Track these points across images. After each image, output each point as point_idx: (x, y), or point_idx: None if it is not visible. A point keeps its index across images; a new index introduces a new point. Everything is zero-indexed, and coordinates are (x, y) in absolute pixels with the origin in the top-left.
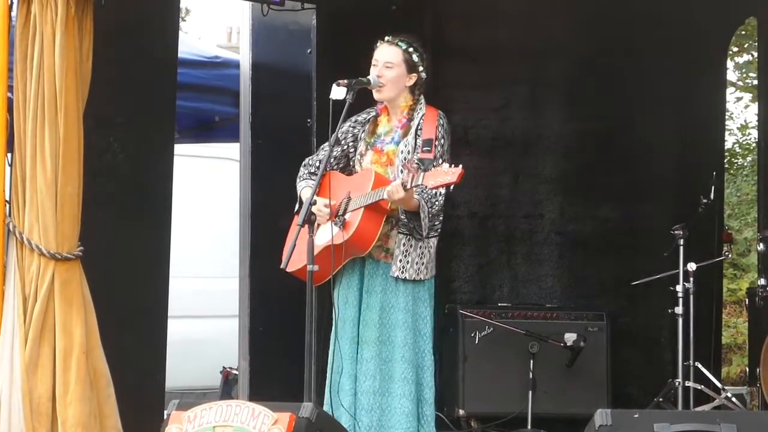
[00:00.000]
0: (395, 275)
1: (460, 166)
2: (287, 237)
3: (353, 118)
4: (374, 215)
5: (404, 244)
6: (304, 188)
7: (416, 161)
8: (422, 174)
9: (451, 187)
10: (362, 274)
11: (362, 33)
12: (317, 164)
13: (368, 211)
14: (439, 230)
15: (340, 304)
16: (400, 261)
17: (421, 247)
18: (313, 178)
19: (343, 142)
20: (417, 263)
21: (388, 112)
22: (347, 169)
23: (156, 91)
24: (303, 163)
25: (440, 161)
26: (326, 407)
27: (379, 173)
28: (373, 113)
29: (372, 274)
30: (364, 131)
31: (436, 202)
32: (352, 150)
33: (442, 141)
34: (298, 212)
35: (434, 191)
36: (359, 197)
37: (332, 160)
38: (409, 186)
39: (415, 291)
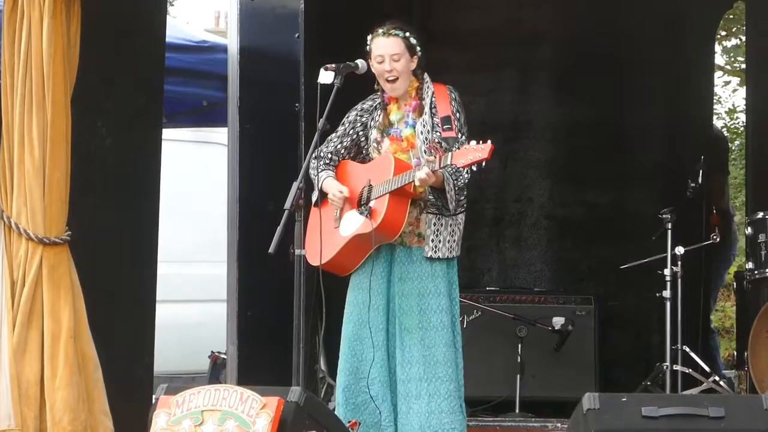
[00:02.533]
0: (428, 255)
1: (489, 141)
2: (307, 229)
3: (358, 107)
4: (400, 200)
5: (434, 224)
6: (326, 178)
7: (439, 140)
8: (450, 154)
9: (483, 164)
10: (390, 261)
11: (350, 17)
12: (329, 156)
13: (393, 196)
14: (465, 205)
15: (365, 291)
16: (432, 241)
17: (451, 225)
18: (330, 168)
19: (352, 131)
20: (449, 241)
21: (397, 99)
22: (359, 157)
23: (144, 76)
24: (314, 156)
25: (462, 136)
26: (344, 394)
27: (399, 159)
28: (378, 101)
29: (405, 260)
30: (373, 119)
31: (461, 176)
32: (363, 139)
33: (458, 115)
34: (317, 204)
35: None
36: (382, 184)
37: (342, 149)
38: (437, 168)
39: (448, 272)
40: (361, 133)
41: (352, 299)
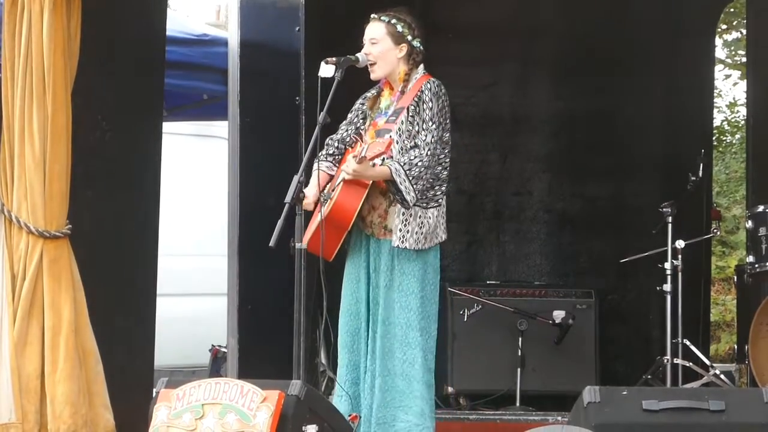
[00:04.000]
0: (395, 244)
1: (388, 136)
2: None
3: (363, 95)
4: (354, 188)
5: (403, 214)
6: (314, 171)
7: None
8: (366, 146)
9: (384, 158)
10: (368, 251)
11: (351, 10)
12: (336, 144)
13: (347, 184)
14: (439, 201)
15: (354, 281)
16: (400, 230)
17: (420, 217)
18: (329, 159)
19: (356, 119)
20: (417, 233)
21: (391, 87)
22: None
23: (144, 69)
24: (325, 143)
25: (424, 126)
26: (342, 389)
27: (355, 149)
28: (377, 89)
29: (377, 252)
30: (369, 107)
31: (414, 167)
32: (363, 127)
33: (425, 106)
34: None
35: (412, 157)
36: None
37: (347, 138)
38: (359, 158)
39: (418, 265)
40: (362, 121)
41: (346, 290)
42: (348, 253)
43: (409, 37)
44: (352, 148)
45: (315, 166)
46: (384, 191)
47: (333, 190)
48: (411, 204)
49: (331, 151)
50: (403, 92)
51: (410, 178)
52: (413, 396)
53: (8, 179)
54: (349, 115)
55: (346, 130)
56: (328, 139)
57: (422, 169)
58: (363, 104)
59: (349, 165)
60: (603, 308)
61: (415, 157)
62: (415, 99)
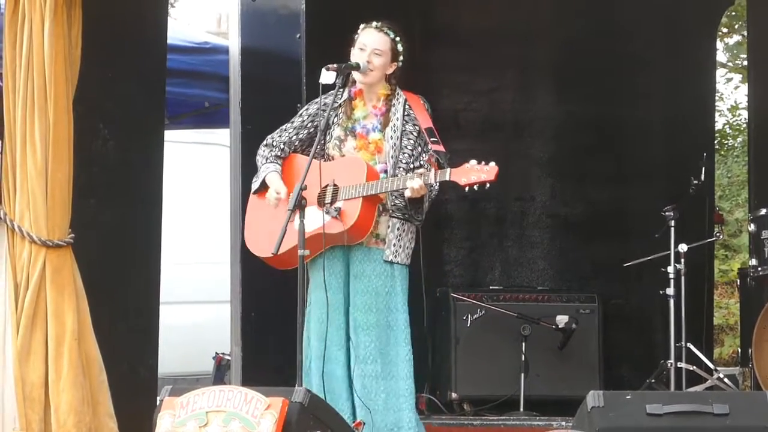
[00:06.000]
0: (389, 259)
1: (492, 163)
2: (247, 219)
3: (322, 101)
4: (371, 205)
5: (398, 229)
6: (271, 172)
7: (433, 154)
8: (448, 170)
9: (487, 185)
10: (346, 259)
11: (351, 17)
12: (281, 146)
13: (366, 201)
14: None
15: (325, 290)
16: (394, 245)
17: (411, 232)
18: (278, 162)
19: (310, 125)
20: (407, 248)
21: (363, 96)
22: (308, 151)
23: (146, 78)
24: (265, 143)
25: (425, 148)
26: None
27: (370, 165)
28: (345, 96)
29: (362, 259)
30: (337, 115)
31: (434, 190)
32: (323, 135)
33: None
34: (257, 192)
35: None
36: (354, 187)
37: (297, 141)
38: (432, 182)
39: (403, 278)
40: (314, 128)
41: (313, 299)
42: (315, 264)
43: (401, 58)
44: (298, 152)
45: (261, 160)
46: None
47: (332, 203)
48: (417, 221)
49: (278, 153)
50: (388, 110)
51: (429, 201)
52: (413, 396)
53: (10, 188)
54: (299, 119)
55: (296, 134)
56: (270, 139)
57: (436, 193)
58: (324, 111)
59: (420, 188)
60: (606, 313)
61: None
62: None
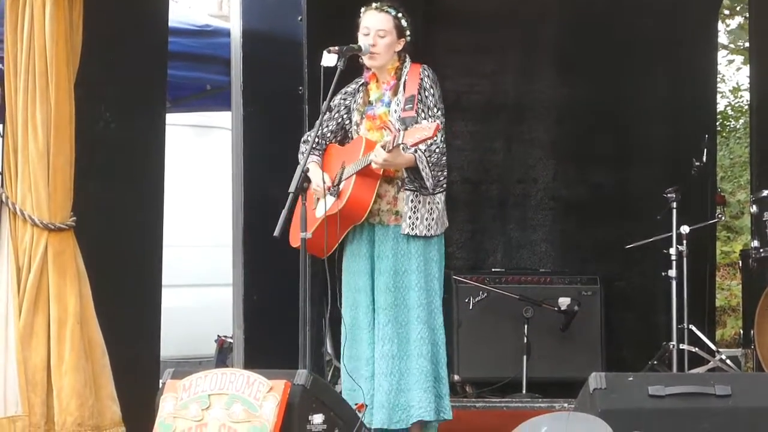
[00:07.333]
0: (405, 232)
1: (437, 121)
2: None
3: (343, 90)
4: (367, 180)
5: (412, 201)
6: (310, 162)
7: (398, 119)
8: (402, 132)
9: (429, 143)
10: (371, 241)
11: None
12: (316, 140)
13: (360, 177)
14: (444, 186)
15: (353, 273)
16: (410, 218)
17: (429, 203)
18: (315, 153)
19: (336, 115)
20: (427, 219)
21: (377, 78)
22: (346, 141)
23: (147, 61)
24: (302, 140)
25: (430, 113)
26: (344, 378)
27: (369, 139)
28: (362, 82)
29: (382, 239)
30: (355, 101)
31: (434, 153)
32: (347, 122)
33: (427, 93)
34: (301, 188)
35: (429, 144)
36: (352, 165)
37: (328, 133)
38: (391, 147)
39: (426, 250)
40: (345, 116)
41: (345, 282)
42: (345, 247)
43: (408, 32)
44: (334, 143)
45: (308, 159)
46: (390, 179)
47: (338, 184)
48: (430, 190)
49: (314, 147)
50: (397, 83)
51: (430, 164)
52: (428, 376)
53: (12, 172)
54: (328, 112)
55: (327, 126)
56: (306, 136)
57: (439, 155)
58: (345, 99)
59: (379, 155)
60: (608, 294)
61: (432, 144)
62: (419, 87)
